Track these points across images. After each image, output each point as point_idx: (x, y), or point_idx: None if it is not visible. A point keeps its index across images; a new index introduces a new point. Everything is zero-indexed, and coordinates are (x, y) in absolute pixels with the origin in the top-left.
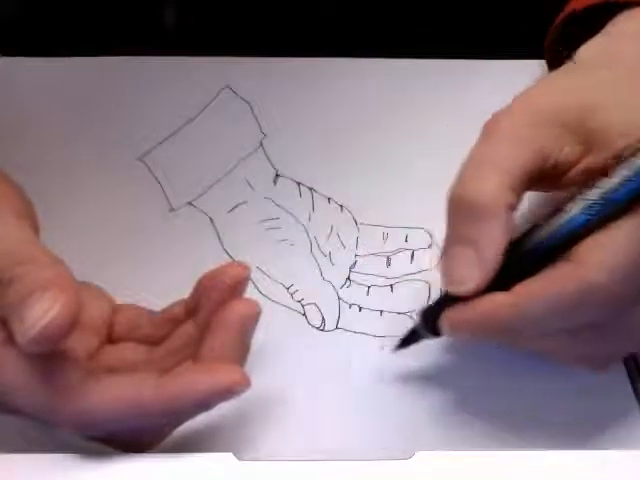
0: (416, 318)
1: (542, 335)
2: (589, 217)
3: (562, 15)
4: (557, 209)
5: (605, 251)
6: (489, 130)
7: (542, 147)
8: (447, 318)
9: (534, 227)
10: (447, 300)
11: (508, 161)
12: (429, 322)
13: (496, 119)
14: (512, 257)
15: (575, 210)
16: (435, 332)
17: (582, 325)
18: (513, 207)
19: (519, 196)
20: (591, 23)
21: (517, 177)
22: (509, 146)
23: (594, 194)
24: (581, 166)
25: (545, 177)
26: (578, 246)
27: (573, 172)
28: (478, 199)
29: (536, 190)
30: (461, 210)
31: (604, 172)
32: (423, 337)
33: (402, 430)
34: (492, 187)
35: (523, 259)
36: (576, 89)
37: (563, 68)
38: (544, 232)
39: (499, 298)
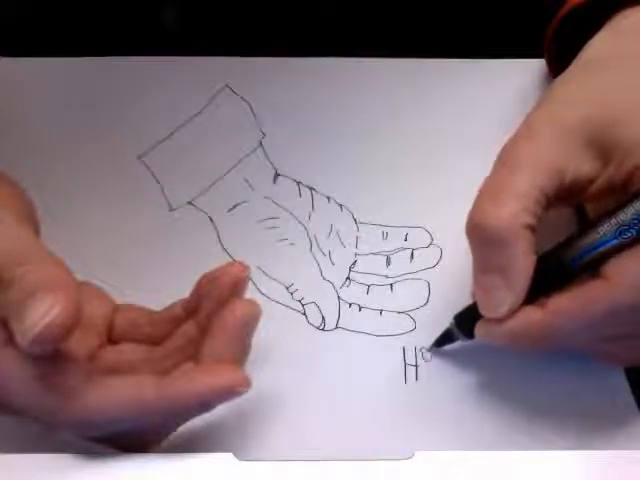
0: (451, 320)
1: (571, 345)
2: (620, 238)
3: (561, 13)
4: (588, 226)
5: (634, 270)
6: (506, 157)
7: (561, 168)
8: (481, 331)
9: (566, 242)
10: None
11: (524, 186)
12: (463, 325)
13: (515, 145)
14: (542, 271)
15: (607, 231)
16: (468, 334)
17: (611, 336)
18: (533, 228)
19: (539, 217)
20: (589, 21)
21: (534, 200)
22: (526, 172)
23: (626, 216)
24: (602, 180)
25: (564, 194)
26: (608, 264)
27: (594, 187)
28: (496, 226)
29: (557, 207)
30: (482, 238)
31: (627, 186)
32: (457, 339)
33: (402, 430)
34: (509, 212)
35: (553, 273)
36: (591, 98)
37: (573, 72)
38: (575, 249)
39: (531, 315)
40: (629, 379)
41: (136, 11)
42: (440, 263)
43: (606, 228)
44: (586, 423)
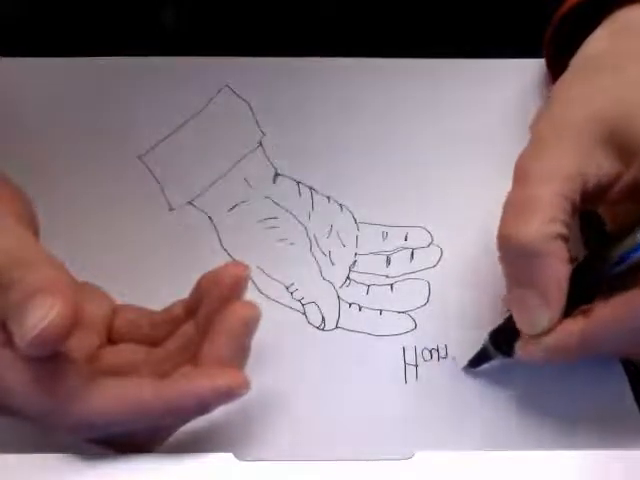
0: (486, 338)
1: (611, 352)
2: None
3: (560, 12)
4: (624, 233)
5: None
6: (522, 171)
7: (580, 172)
8: (523, 350)
9: (602, 249)
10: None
11: (547, 196)
12: (498, 343)
13: (528, 157)
14: (578, 281)
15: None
16: (505, 352)
17: None
18: (564, 237)
19: (568, 224)
20: (588, 21)
21: (559, 208)
22: (545, 182)
23: None
24: (627, 179)
25: (590, 197)
26: None
27: (619, 186)
28: (526, 241)
29: (584, 209)
30: (513, 254)
31: None
32: (494, 357)
33: (402, 430)
34: (537, 226)
35: (590, 283)
36: (597, 96)
37: (573, 72)
38: (612, 256)
39: (574, 329)
40: (630, 379)
41: (136, 11)
42: (440, 263)
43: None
44: (586, 423)
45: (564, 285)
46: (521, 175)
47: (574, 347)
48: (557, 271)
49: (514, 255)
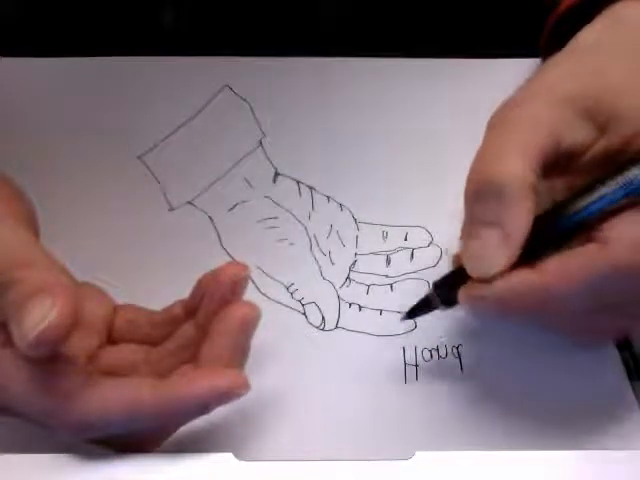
0: (430, 288)
1: (562, 313)
2: (621, 196)
3: (557, 12)
4: (587, 188)
5: (634, 232)
6: (504, 119)
7: (558, 131)
8: (467, 295)
9: (561, 204)
10: (464, 272)
11: (528, 144)
12: (443, 293)
13: (512, 108)
14: (536, 232)
15: (608, 190)
16: (447, 302)
17: (606, 304)
18: (536, 189)
19: (539, 178)
20: (585, 19)
21: (537, 160)
22: (527, 131)
23: (630, 176)
24: (598, 148)
25: (558, 162)
26: (606, 225)
27: (589, 156)
28: (504, 181)
29: (548, 177)
30: (485, 192)
31: (623, 153)
32: (435, 307)
33: (402, 430)
34: (517, 169)
35: (546, 236)
36: (588, 74)
37: (568, 52)
38: (573, 209)
39: (527, 276)
40: (629, 378)
41: (136, 11)
42: (440, 263)
43: (606, 186)
44: (586, 423)
45: (526, 232)
46: (500, 123)
47: (529, 297)
48: (524, 217)
49: (486, 193)
